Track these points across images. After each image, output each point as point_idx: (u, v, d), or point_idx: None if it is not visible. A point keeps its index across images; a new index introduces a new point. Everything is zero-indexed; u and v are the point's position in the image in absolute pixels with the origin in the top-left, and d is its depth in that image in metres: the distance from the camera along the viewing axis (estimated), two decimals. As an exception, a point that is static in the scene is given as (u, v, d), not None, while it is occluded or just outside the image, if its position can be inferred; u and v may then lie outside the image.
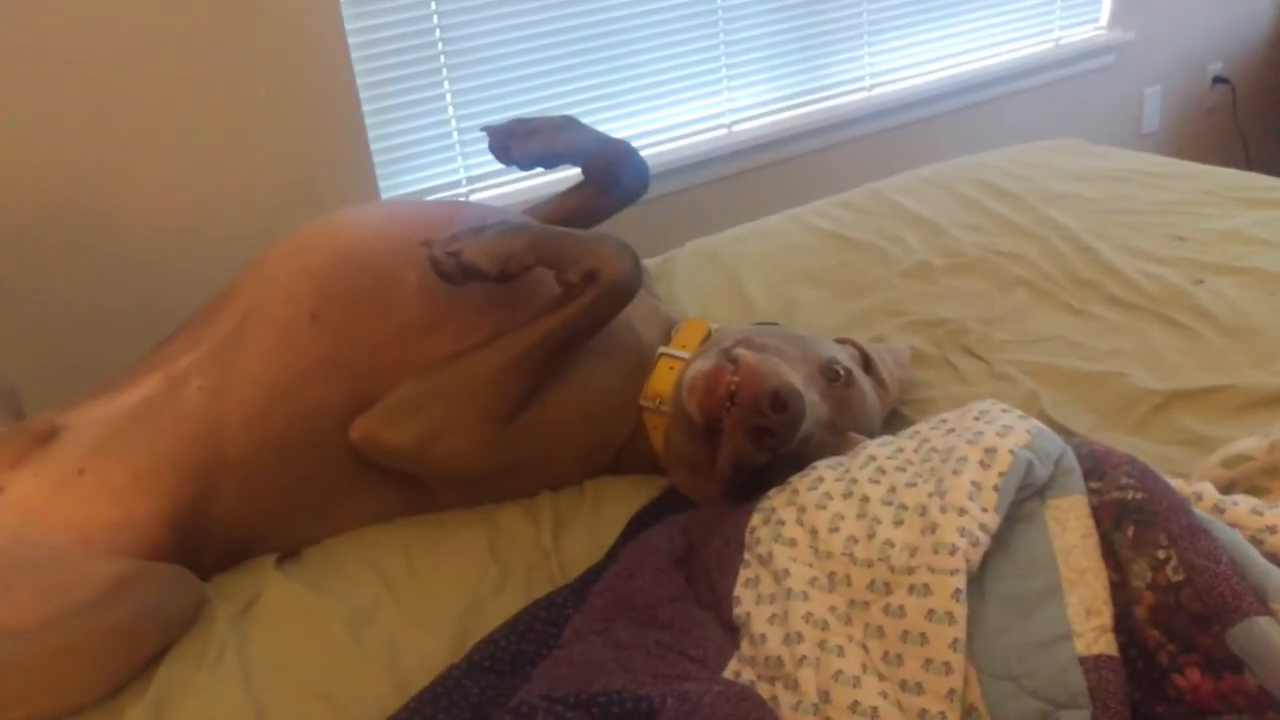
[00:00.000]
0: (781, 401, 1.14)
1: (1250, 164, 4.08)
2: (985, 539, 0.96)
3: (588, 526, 1.33)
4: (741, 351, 1.23)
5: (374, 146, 2.50)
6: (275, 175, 2.34)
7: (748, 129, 3.09)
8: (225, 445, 1.29)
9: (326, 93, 2.37)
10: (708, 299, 1.83)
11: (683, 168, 2.91)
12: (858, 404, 1.31)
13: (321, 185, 2.38)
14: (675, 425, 1.33)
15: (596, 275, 1.31)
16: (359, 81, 2.43)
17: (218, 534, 1.31)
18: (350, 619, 1.19)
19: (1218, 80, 4.13)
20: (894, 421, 1.45)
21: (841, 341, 1.46)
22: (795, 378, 1.21)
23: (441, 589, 1.24)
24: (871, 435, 1.31)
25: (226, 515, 1.31)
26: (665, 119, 2.94)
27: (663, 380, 1.39)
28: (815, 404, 1.22)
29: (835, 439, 1.26)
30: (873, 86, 3.32)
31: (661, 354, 1.42)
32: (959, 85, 3.43)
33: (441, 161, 2.63)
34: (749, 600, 1.02)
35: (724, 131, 3.06)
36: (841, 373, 1.29)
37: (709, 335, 1.46)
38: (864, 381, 1.35)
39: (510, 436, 1.33)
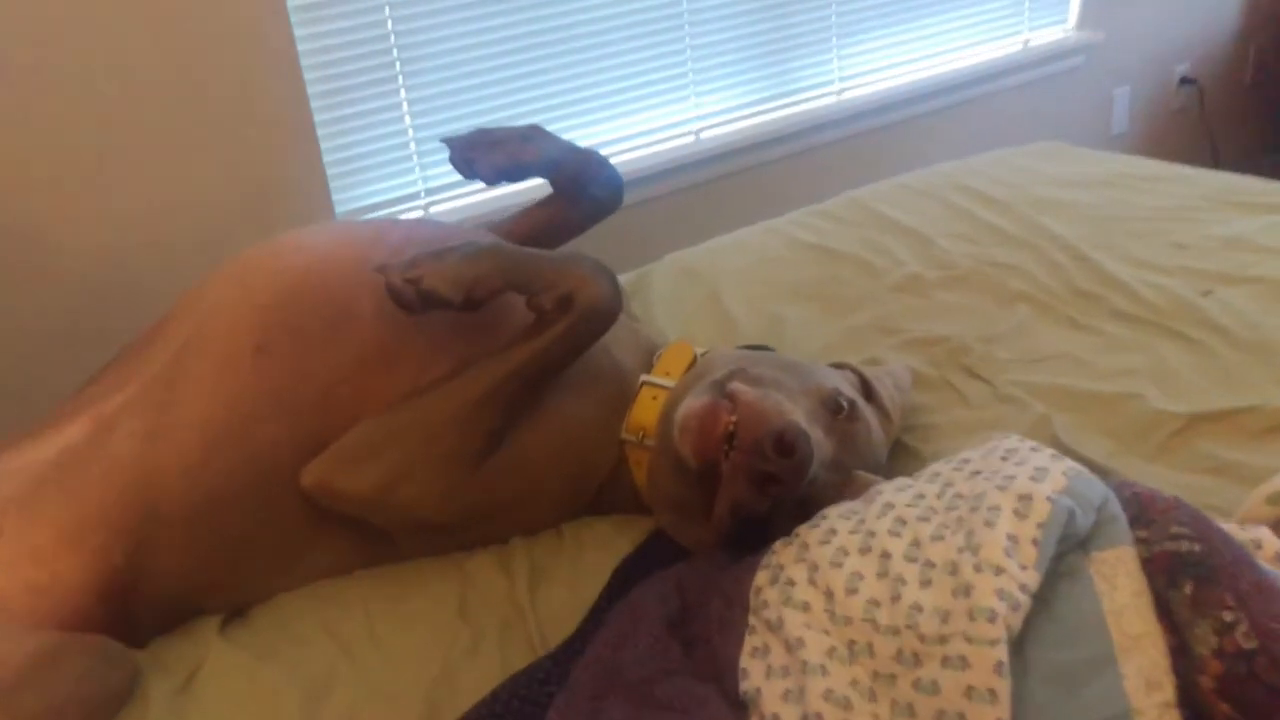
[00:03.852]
0: (787, 445, 1.02)
1: (1218, 165, 4.05)
2: (1026, 601, 0.85)
3: (567, 578, 1.21)
4: (738, 386, 1.11)
5: (327, 159, 2.37)
6: (220, 191, 2.20)
7: (716, 135, 3.00)
8: (162, 496, 1.17)
9: (275, 103, 2.24)
10: (687, 317, 1.72)
11: (649, 176, 2.81)
12: (863, 438, 1.20)
13: (271, 201, 2.25)
14: (662, 463, 1.21)
15: (572, 300, 1.20)
16: (310, 90, 2.30)
17: (155, 595, 1.19)
18: (304, 693, 1.07)
19: (1185, 81, 4.10)
20: (897, 451, 1.34)
21: (838, 366, 1.35)
22: (799, 415, 1.10)
23: (406, 654, 1.12)
24: (878, 470, 1.20)
25: (164, 574, 1.18)
26: (631, 126, 2.84)
27: (646, 411, 1.28)
28: (820, 442, 1.11)
29: (839, 478, 1.14)
30: (842, 91, 3.24)
31: (643, 382, 1.31)
32: (929, 88, 3.37)
33: (398, 173, 2.51)
34: (758, 673, 0.90)
35: (691, 139, 2.97)
36: (845, 405, 1.18)
37: (694, 361, 1.34)
38: (868, 413, 1.24)
39: (479, 480, 1.21)
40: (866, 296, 1.73)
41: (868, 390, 1.32)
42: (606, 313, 1.23)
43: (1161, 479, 1.23)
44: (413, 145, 2.50)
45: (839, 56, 3.20)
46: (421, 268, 1.17)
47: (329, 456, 1.19)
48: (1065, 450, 1.25)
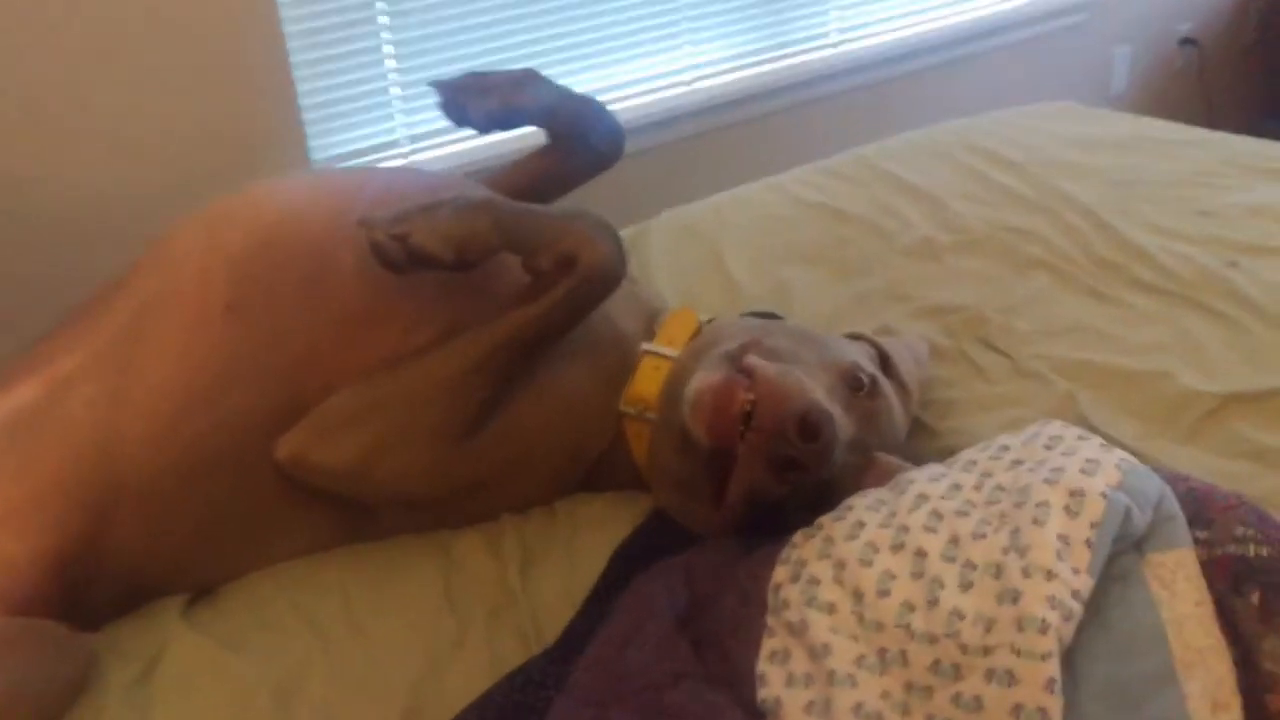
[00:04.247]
0: (811, 427, 0.94)
1: (1214, 128, 3.97)
2: (1078, 609, 0.77)
3: (561, 561, 1.12)
4: (756, 360, 1.02)
5: (303, 103, 2.26)
6: (189, 136, 2.08)
7: (709, 86, 2.89)
8: (122, 467, 1.07)
9: (248, 42, 2.12)
10: (687, 279, 1.62)
11: (640, 127, 2.69)
12: (884, 417, 1.11)
13: (243, 147, 2.13)
14: (666, 440, 1.12)
15: (574, 261, 1.10)
16: (286, 30, 2.18)
17: (114, 574, 1.09)
18: (276, 686, 0.98)
19: (1185, 41, 4.01)
20: (912, 429, 1.26)
21: (854, 338, 1.26)
22: (821, 393, 1.01)
23: (387, 645, 1.03)
24: (897, 451, 1.12)
25: (124, 551, 1.09)
26: (622, 74, 2.74)
27: (647, 382, 1.19)
28: (842, 422, 1.02)
29: (859, 460, 1.06)
30: (839, 43, 3.14)
31: (645, 351, 1.22)
32: (927, 43, 3.29)
33: (379, 119, 2.40)
34: (777, 681, 0.82)
35: (685, 88, 2.86)
36: (865, 381, 1.09)
37: (699, 330, 1.25)
38: (888, 389, 1.16)
39: (468, 453, 1.13)
40: (876, 260, 1.64)
41: (885, 364, 1.23)
42: (610, 276, 1.13)
43: (1195, 464, 1.15)
44: (395, 90, 2.39)
45: (836, 8, 3.10)
46: (409, 223, 1.07)
47: (306, 426, 1.10)
48: (1095, 434, 1.17)
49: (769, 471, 0.96)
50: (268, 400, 1.11)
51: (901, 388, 1.22)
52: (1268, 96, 4.22)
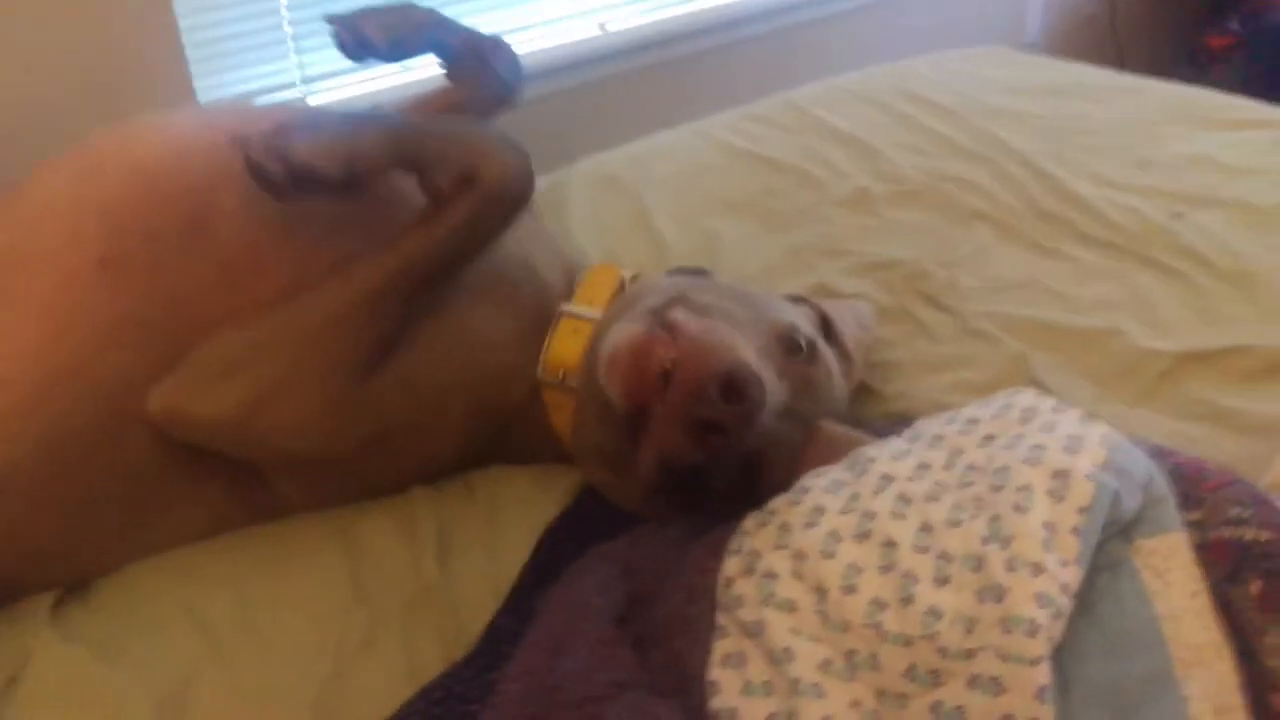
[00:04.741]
0: (736, 387, 0.85)
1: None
2: (1068, 605, 0.69)
3: (483, 543, 1.02)
4: (679, 315, 0.93)
5: (187, 39, 2.06)
6: (55, 74, 1.89)
7: (623, 27, 2.76)
8: None
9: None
10: (610, 234, 1.51)
11: (549, 71, 2.56)
12: (823, 384, 1.02)
13: (118, 88, 1.94)
14: (589, 409, 1.02)
15: (474, 178, 1.00)
16: (164, -43, 1.99)
17: (-31, 569, 0.96)
18: (159, 700, 0.87)
19: (1098, -13, 3.99)
20: (858, 395, 1.17)
21: (795, 300, 1.17)
22: (751, 353, 0.92)
23: (288, 647, 0.92)
24: (838, 420, 1.03)
25: (-18, 542, 0.96)
26: (529, 15, 2.58)
27: (566, 346, 1.08)
28: (772, 386, 0.93)
29: (792, 429, 0.97)
30: (754, -18, 3.03)
31: (563, 313, 1.11)
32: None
33: (271, 58, 2.22)
34: (732, 688, 0.73)
35: (596, 30, 2.73)
36: (803, 344, 1.00)
37: (621, 287, 1.15)
38: (828, 354, 1.07)
39: (364, 398, 1.01)
40: (809, 212, 1.55)
41: (827, 328, 1.15)
42: (516, 195, 1.03)
43: (1153, 427, 1.10)
44: (287, 26, 2.22)
45: (751, -55, 2.99)
46: (290, 136, 0.95)
47: (181, 374, 0.98)
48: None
49: (686, 435, 0.87)
50: (147, 362, 0.98)
51: (844, 355, 1.13)
52: (1177, 44, 4.23)
